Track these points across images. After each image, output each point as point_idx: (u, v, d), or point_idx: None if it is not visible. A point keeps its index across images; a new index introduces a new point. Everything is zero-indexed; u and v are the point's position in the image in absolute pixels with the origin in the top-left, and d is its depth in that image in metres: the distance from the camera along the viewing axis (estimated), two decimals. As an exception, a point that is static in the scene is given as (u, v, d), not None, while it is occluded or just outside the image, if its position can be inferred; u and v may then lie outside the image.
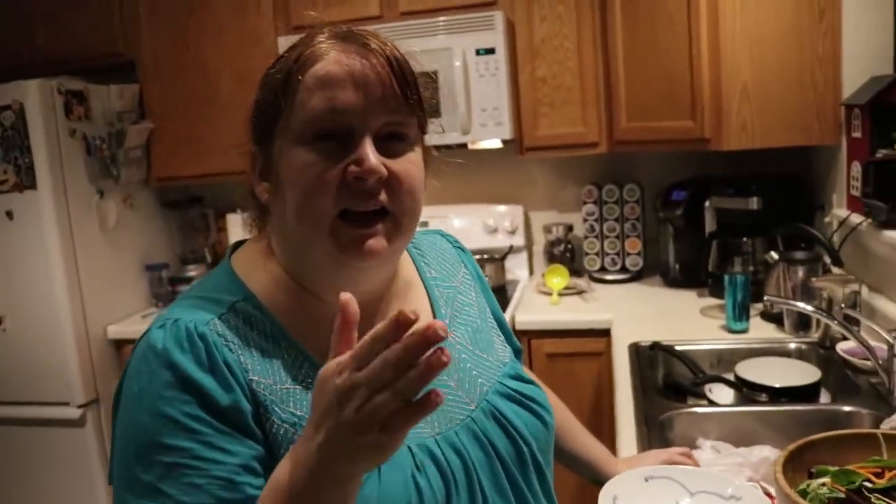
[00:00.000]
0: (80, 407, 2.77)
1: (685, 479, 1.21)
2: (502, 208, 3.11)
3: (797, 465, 1.15)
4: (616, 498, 1.14)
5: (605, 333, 2.47)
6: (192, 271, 3.22)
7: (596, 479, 1.27)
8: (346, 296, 0.68)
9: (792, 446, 1.16)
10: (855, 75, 2.24)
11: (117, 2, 3.03)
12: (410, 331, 0.61)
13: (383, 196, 0.84)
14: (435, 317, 1.01)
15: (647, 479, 1.20)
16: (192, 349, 0.80)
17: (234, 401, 0.80)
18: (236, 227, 3.20)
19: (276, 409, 0.82)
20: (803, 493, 1.07)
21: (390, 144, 0.85)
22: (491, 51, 2.69)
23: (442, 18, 2.72)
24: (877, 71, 2.22)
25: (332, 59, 0.83)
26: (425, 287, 1.04)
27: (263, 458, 0.80)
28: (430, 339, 0.60)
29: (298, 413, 0.83)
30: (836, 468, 1.11)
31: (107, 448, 2.86)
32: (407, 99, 0.85)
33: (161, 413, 0.77)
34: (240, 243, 0.99)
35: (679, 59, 2.39)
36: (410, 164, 0.87)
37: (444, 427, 0.91)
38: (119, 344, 2.91)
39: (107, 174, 2.92)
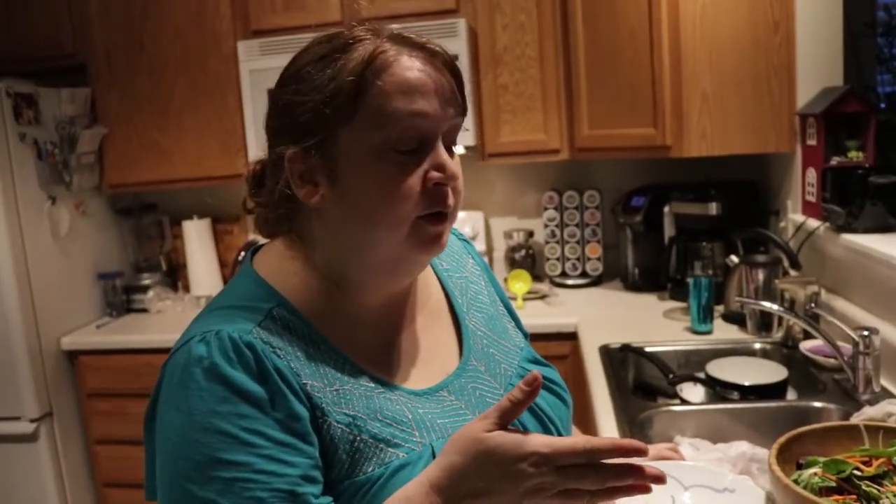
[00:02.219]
0: (32, 421, 2.67)
1: (679, 474, 1.24)
2: (462, 214, 3.13)
3: (787, 457, 1.19)
4: (615, 493, 1.16)
5: (570, 337, 2.51)
6: (147, 280, 3.15)
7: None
8: (536, 373, 0.76)
9: (782, 439, 1.20)
10: (808, 85, 2.34)
11: (66, 0, 2.94)
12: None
13: (450, 196, 0.86)
14: (452, 307, 1.03)
15: (642, 475, 1.23)
16: (241, 360, 0.79)
17: (290, 408, 0.79)
18: (192, 234, 3.14)
19: (332, 410, 0.82)
20: (795, 483, 1.11)
21: (449, 146, 0.87)
22: (454, 58, 2.70)
23: (404, 25, 2.73)
24: (828, 82, 2.32)
25: (405, 63, 0.82)
26: (439, 279, 1.05)
27: (320, 465, 0.80)
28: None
29: (351, 413, 0.83)
30: (826, 458, 1.16)
31: (62, 463, 2.76)
32: (463, 102, 0.88)
33: (217, 429, 0.76)
34: (257, 248, 0.97)
35: (640, 68, 2.45)
36: (459, 163, 0.89)
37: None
38: (73, 355, 2.83)
39: (58, 180, 2.84)
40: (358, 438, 0.82)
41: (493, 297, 1.11)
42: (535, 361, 1.08)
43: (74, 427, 2.85)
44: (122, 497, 2.89)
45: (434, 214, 0.85)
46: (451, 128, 0.86)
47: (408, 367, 0.93)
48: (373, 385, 0.87)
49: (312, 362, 0.84)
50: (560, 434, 1.00)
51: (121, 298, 3.08)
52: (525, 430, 0.76)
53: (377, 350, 0.91)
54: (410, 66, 0.82)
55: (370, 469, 0.81)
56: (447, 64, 0.85)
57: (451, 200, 0.85)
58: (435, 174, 0.83)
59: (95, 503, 2.94)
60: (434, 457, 0.82)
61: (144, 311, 3.11)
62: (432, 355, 0.96)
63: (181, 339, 0.84)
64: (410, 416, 0.86)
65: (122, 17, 2.93)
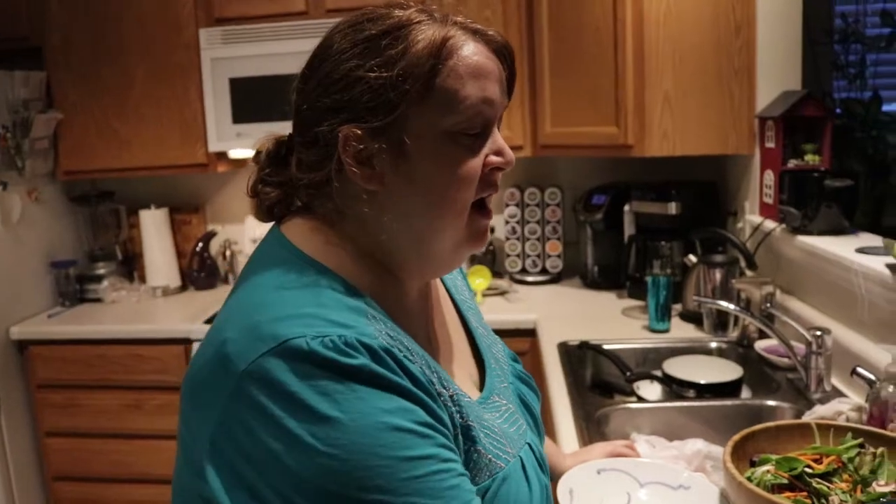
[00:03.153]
0: (-22, 412, 2.61)
1: (635, 471, 1.25)
2: (424, 209, 3.11)
3: (740, 455, 1.21)
4: (572, 491, 1.17)
5: (529, 333, 2.52)
6: (102, 269, 3.08)
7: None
8: None
9: (736, 437, 1.22)
10: (767, 89, 2.37)
11: (21, -19, 2.87)
12: None
13: None
14: (453, 300, 1.04)
15: (599, 472, 1.24)
16: (385, 366, 0.72)
17: (437, 411, 0.75)
18: (149, 223, 3.09)
19: (456, 420, 0.79)
20: (749, 480, 1.12)
21: None
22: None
23: (370, 17, 2.71)
24: (787, 86, 2.36)
25: (473, 48, 0.81)
26: None
27: None
28: None
29: (465, 422, 0.80)
30: (778, 456, 1.18)
31: (9, 456, 2.68)
32: (512, 88, 0.89)
33: (392, 427, 0.69)
34: (273, 229, 0.90)
35: (604, 68, 2.47)
36: None
37: (522, 415, 0.95)
38: (23, 345, 2.76)
39: (10, 166, 2.76)
40: (472, 449, 0.79)
41: (471, 294, 1.13)
42: (514, 359, 1.09)
43: (23, 419, 2.78)
44: (74, 491, 2.83)
45: (482, 209, 0.85)
46: (502, 114, 0.87)
47: (452, 368, 0.92)
48: (459, 389, 0.83)
49: (425, 366, 0.79)
50: (539, 427, 1.02)
51: (74, 288, 3.01)
52: None
53: (429, 348, 0.88)
54: (478, 52, 0.81)
55: (481, 481, 0.79)
56: (502, 50, 0.85)
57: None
58: (494, 158, 0.83)
59: (45, 497, 2.88)
60: (524, 467, 0.84)
61: (98, 300, 3.04)
62: (458, 353, 0.96)
63: (259, 344, 0.70)
64: (497, 427, 0.86)
65: (80, 0, 2.86)
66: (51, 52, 2.90)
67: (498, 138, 0.84)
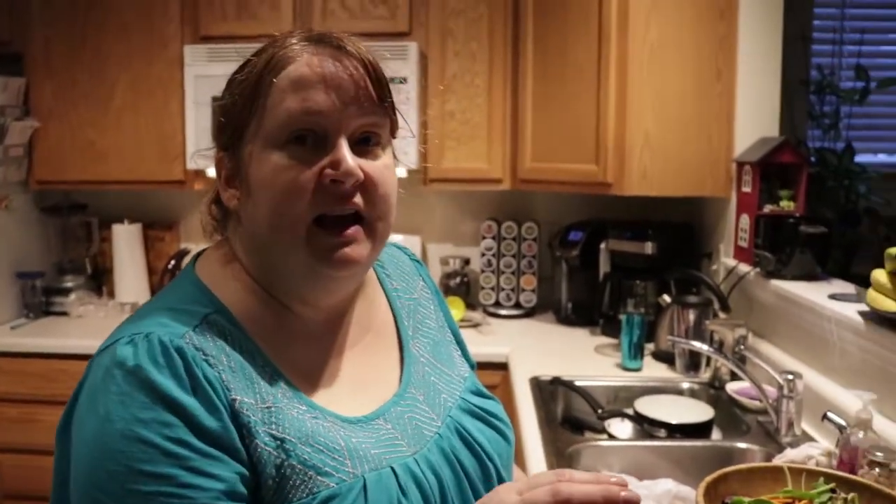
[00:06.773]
0: (-69, 423, 2.52)
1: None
2: (399, 237, 3.10)
3: (712, 496, 1.20)
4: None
5: (501, 367, 2.50)
6: (70, 282, 3.03)
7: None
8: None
9: (709, 478, 1.21)
10: (745, 134, 2.41)
11: (3, -14, 2.85)
12: None
13: (358, 199, 0.83)
14: (398, 328, 1.00)
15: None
16: (170, 365, 0.75)
17: (219, 421, 0.75)
18: (121, 238, 3.04)
19: (259, 430, 0.77)
20: (721, 523, 1.12)
21: (365, 148, 0.84)
22: (402, 80, 2.70)
23: (356, 44, 2.71)
24: (765, 131, 2.40)
25: (304, 60, 0.82)
26: (387, 298, 1.02)
27: (249, 480, 0.76)
28: None
29: (280, 435, 0.78)
30: (751, 499, 1.17)
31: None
32: (381, 101, 0.85)
33: (138, 437, 0.72)
34: (199, 253, 0.94)
35: (586, 105, 2.49)
36: (385, 168, 0.86)
37: (419, 445, 0.88)
38: (-17, 357, 2.69)
39: (-18, 172, 2.72)
40: (285, 463, 0.77)
41: (440, 323, 1.08)
42: (479, 393, 1.03)
43: (-22, 433, 2.71)
44: (25, 509, 2.74)
45: (332, 221, 0.82)
46: (362, 126, 0.83)
47: (344, 391, 0.89)
48: (306, 408, 0.83)
49: (246, 376, 0.80)
50: (499, 472, 0.95)
51: (40, 300, 2.94)
52: None
53: (315, 370, 0.88)
54: (309, 63, 0.81)
55: (297, 497, 0.77)
56: (364, 63, 0.83)
57: (355, 202, 0.82)
58: (329, 171, 0.81)
59: (-6, 514, 2.79)
60: (365, 489, 0.79)
61: (64, 314, 2.98)
62: (371, 380, 0.92)
63: (108, 339, 0.80)
64: (343, 444, 0.82)
65: (64, 7, 2.83)
66: (31, 58, 2.87)
67: (340, 150, 0.81)
